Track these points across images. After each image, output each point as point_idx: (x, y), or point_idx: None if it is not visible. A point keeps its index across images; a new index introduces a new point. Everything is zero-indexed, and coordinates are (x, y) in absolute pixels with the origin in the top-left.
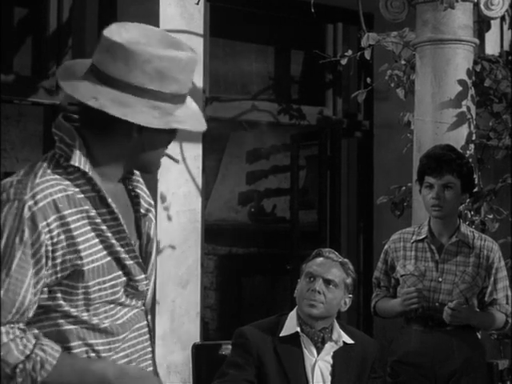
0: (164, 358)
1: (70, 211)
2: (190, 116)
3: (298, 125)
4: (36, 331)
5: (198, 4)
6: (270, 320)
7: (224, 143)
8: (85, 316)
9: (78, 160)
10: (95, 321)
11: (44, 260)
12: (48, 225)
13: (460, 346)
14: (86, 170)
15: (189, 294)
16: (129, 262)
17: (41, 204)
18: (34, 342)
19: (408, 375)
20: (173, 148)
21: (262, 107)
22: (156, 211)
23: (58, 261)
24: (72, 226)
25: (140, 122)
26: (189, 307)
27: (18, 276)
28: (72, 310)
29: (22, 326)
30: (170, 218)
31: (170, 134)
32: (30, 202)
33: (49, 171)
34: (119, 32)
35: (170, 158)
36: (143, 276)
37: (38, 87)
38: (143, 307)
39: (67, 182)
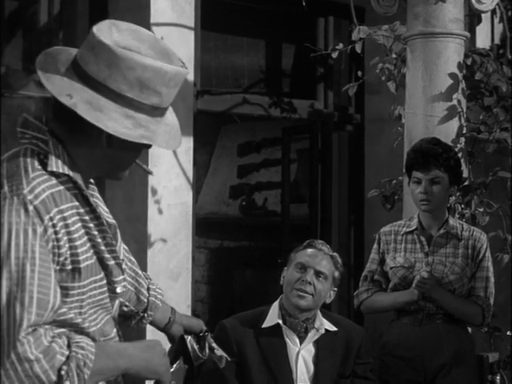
0: None
1: (66, 206)
2: (166, 132)
3: (289, 118)
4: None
5: None
6: (254, 311)
7: (215, 136)
8: (77, 319)
9: (55, 165)
10: (85, 324)
11: (51, 256)
12: (51, 219)
13: (449, 339)
14: (66, 172)
15: (180, 288)
16: (110, 263)
17: (41, 198)
18: (66, 340)
19: (398, 368)
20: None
21: (253, 100)
22: (147, 204)
23: (62, 258)
24: (69, 221)
25: (110, 131)
26: (180, 300)
27: (44, 270)
28: (65, 312)
29: (46, 326)
30: (160, 212)
31: (140, 146)
32: (30, 197)
33: (37, 166)
34: (110, 32)
35: (144, 169)
36: (121, 277)
37: (29, 80)
38: (111, 314)
39: (54, 178)
